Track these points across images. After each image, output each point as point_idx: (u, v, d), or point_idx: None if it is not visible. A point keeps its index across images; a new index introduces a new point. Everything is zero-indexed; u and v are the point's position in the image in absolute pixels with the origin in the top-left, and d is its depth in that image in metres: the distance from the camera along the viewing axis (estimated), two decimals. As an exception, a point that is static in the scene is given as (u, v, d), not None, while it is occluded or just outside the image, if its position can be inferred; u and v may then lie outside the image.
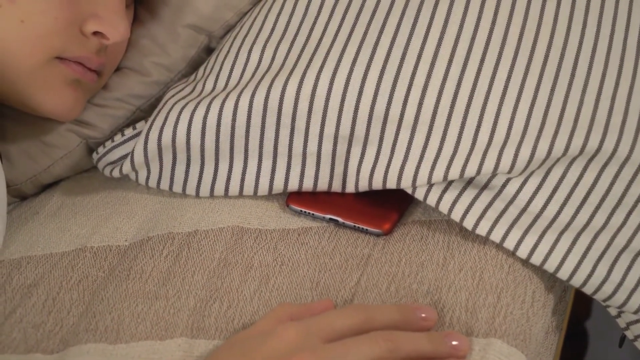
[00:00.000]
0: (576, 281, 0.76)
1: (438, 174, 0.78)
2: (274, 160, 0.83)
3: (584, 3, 0.83)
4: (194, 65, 0.95)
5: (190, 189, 0.86)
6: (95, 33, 0.85)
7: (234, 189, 0.85)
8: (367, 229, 0.81)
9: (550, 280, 0.79)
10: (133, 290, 0.78)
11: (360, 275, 0.77)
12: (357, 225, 0.81)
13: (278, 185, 0.84)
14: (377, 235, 0.81)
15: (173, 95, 0.87)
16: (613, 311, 0.79)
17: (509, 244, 0.76)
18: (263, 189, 0.85)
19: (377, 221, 0.81)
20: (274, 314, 0.71)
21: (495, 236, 0.76)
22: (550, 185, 0.78)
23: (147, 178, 0.87)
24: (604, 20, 0.82)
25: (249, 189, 0.85)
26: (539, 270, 0.78)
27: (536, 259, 0.76)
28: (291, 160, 0.83)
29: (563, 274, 0.75)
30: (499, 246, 0.78)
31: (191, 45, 0.94)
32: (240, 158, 0.84)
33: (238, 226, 0.83)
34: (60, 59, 0.84)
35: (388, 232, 0.81)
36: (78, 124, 0.93)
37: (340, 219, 0.82)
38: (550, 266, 0.76)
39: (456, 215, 0.77)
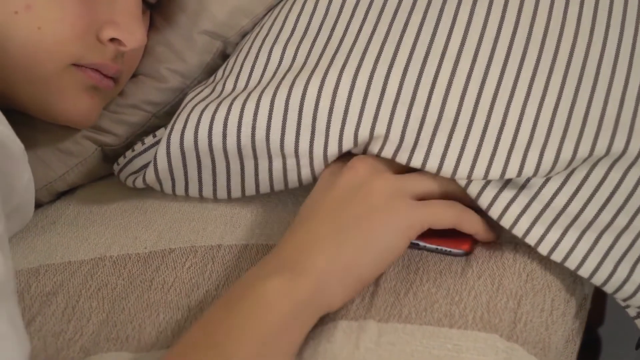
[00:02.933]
0: (597, 279, 0.76)
1: (462, 172, 0.77)
2: (297, 158, 0.82)
3: (606, 4, 0.82)
4: (210, 72, 0.94)
5: (221, 192, 0.85)
6: (112, 40, 0.84)
7: (264, 185, 0.84)
8: (450, 251, 0.79)
9: (569, 288, 0.78)
10: (154, 300, 0.77)
11: (378, 278, 0.76)
12: (439, 247, 0.79)
13: (307, 179, 0.83)
14: (461, 255, 0.79)
15: (193, 98, 0.85)
16: (632, 312, 0.79)
17: (531, 239, 0.76)
18: (292, 182, 0.84)
19: (456, 242, 0.79)
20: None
21: (519, 230, 0.76)
22: (575, 183, 0.77)
23: (173, 187, 0.86)
24: (627, 21, 0.82)
25: (279, 184, 0.83)
26: (557, 278, 0.77)
27: (557, 256, 0.75)
28: (313, 161, 0.82)
29: (584, 272, 0.75)
30: (516, 255, 0.78)
31: (207, 52, 0.93)
32: (264, 156, 0.82)
33: (263, 244, 0.82)
34: (77, 65, 0.84)
35: (470, 251, 0.79)
36: (93, 130, 0.92)
37: (421, 243, 0.79)
38: (571, 263, 0.75)
39: (482, 205, 0.77)
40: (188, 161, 0.83)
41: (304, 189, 0.86)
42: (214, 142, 0.82)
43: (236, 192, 0.85)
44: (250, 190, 0.85)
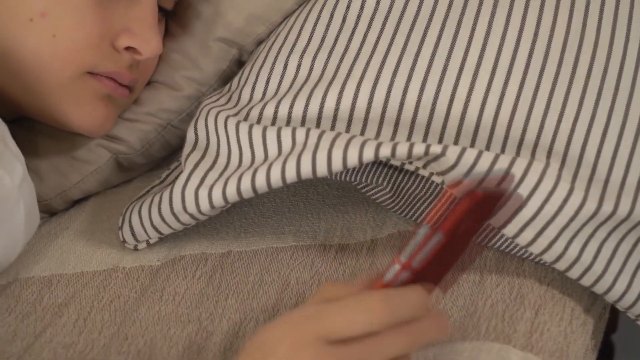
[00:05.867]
0: (611, 297, 0.74)
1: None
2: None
3: (625, 17, 0.80)
4: (225, 79, 0.92)
5: (231, 192, 0.77)
6: (128, 48, 0.83)
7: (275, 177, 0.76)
8: None
9: (590, 297, 0.76)
10: (165, 313, 0.75)
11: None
12: None
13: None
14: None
15: (208, 104, 0.83)
16: None
17: (551, 255, 0.72)
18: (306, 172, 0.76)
19: None
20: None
21: (537, 247, 0.72)
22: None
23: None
24: None
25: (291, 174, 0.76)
26: (578, 287, 0.75)
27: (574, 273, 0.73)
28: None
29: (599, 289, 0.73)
30: (538, 263, 0.76)
31: (222, 59, 0.91)
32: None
33: (272, 247, 0.81)
34: (91, 74, 0.82)
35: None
36: (108, 138, 0.91)
37: None
38: (586, 282, 0.73)
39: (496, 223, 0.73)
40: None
41: (315, 193, 0.84)
42: (230, 136, 0.78)
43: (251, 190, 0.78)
44: (261, 185, 0.77)
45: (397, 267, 0.59)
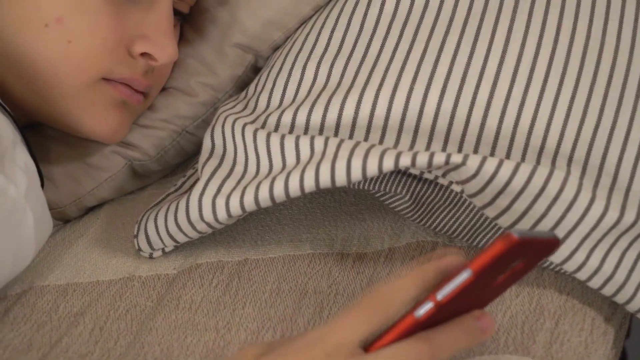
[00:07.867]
0: (632, 306, 0.74)
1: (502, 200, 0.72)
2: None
3: None
4: (241, 85, 0.91)
5: (249, 200, 0.76)
6: (143, 54, 0.82)
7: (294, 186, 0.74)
8: None
9: (611, 306, 0.76)
10: (182, 321, 0.74)
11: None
12: None
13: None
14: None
15: (225, 111, 0.82)
16: None
17: (571, 265, 0.71)
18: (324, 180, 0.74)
19: None
20: None
21: (558, 257, 0.72)
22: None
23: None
24: None
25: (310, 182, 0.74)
26: (599, 296, 0.75)
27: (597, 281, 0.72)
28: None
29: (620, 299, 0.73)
30: (558, 272, 0.75)
31: (238, 65, 0.91)
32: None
33: (289, 255, 0.80)
34: (107, 80, 0.81)
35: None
36: (123, 145, 0.90)
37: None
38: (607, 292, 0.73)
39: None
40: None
41: (332, 200, 0.84)
42: (247, 144, 0.77)
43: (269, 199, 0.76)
44: (279, 194, 0.75)
45: (430, 304, 0.59)
